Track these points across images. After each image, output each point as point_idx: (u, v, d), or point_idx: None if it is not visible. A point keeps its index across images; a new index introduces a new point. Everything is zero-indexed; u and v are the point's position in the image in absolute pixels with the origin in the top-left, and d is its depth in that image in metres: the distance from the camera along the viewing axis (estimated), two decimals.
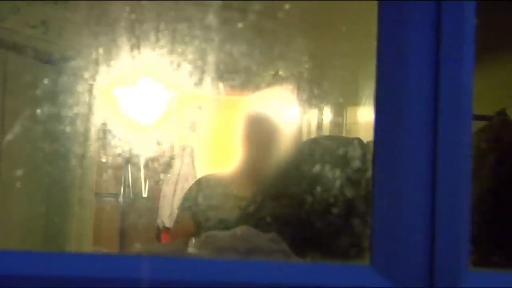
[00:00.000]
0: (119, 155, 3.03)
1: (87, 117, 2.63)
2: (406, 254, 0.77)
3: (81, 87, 2.65)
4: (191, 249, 0.92)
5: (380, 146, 0.78)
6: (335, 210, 0.90)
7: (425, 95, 0.78)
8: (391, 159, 0.78)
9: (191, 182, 4.19)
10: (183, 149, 4.19)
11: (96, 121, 2.85)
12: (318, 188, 0.89)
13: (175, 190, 4.14)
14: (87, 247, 2.92)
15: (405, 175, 0.77)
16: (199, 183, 1.69)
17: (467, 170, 0.79)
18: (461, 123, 0.79)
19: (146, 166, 3.98)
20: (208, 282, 0.77)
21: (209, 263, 0.80)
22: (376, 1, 0.78)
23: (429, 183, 0.78)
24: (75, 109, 2.59)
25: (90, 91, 2.64)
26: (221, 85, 3.24)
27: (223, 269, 0.78)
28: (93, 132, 2.80)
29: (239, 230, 0.99)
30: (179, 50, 2.57)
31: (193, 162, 4.18)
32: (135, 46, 2.62)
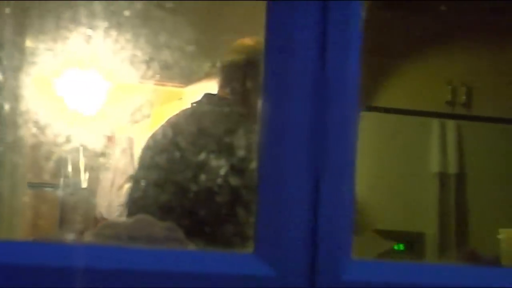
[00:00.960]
0: (57, 144, 3.00)
1: (19, 104, 2.60)
2: (289, 242, 0.79)
3: (15, 74, 2.61)
4: (88, 237, 0.92)
5: (265, 135, 0.79)
6: (220, 199, 0.91)
7: (311, 86, 0.80)
8: (275, 148, 0.79)
9: (129, 172, 4.18)
10: (122, 139, 4.18)
11: (30, 109, 2.82)
12: (202, 176, 0.90)
13: (113, 181, 4.12)
14: (18, 235, 2.89)
15: (289, 164, 0.79)
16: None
17: (351, 161, 0.81)
18: (348, 116, 0.82)
19: (85, 156, 3.96)
20: (96, 269, 0.78)
21: (99, 250, 0.80)
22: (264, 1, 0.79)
23: (313, 172, 0.79)
24: (7, 95, 2.56)
25: (23, 78, 2.62)
26: (158, 76, 3.23)
27: (109, 256, 0.79)
28: (27, 121, 2.77)
29: (136, 218, 1.00)
30: (121, 40, 2.56)
31: (131, 153, 4.17)
32: (74, 35, 2.60)
